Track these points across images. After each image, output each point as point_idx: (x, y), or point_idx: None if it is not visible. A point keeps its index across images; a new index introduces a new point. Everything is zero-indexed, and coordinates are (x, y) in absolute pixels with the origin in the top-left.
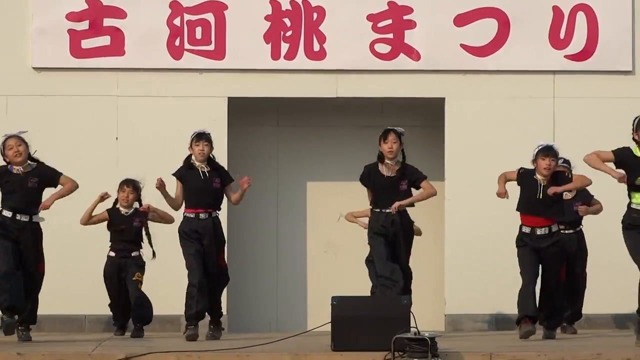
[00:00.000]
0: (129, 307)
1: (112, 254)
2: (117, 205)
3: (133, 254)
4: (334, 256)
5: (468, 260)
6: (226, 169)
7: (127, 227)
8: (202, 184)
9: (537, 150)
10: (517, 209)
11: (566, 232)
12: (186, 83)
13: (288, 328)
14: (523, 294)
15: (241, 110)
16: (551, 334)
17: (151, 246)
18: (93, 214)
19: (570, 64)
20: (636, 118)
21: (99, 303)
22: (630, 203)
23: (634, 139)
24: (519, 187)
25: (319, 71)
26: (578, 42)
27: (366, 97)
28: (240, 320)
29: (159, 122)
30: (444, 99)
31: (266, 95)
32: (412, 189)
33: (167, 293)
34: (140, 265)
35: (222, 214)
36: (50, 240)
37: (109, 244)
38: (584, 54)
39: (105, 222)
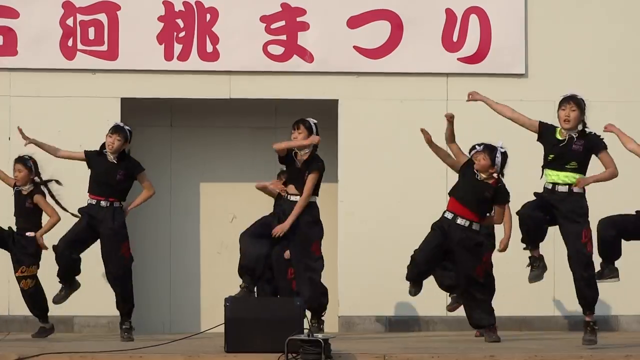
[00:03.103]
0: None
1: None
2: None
3: (28, 233)
4: (227, 257)
5: (361, 261)
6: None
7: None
8: (106, 173)
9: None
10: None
11: None
12: (79, 83)
13: (181, 329)
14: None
15: (134, 111)
16: (490, 336)
17: (65, 210)
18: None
19: (463, 66)
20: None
21: None
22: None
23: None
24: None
25: (212, 72)
26: (471, 45)
27: (259, 98)
28: (134, 320)
29: (52, 122)
30: (337, 100)
31: (159, 96)
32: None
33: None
34: (29, 254)
35: None
36: None
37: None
38: (477, 57)
39: None
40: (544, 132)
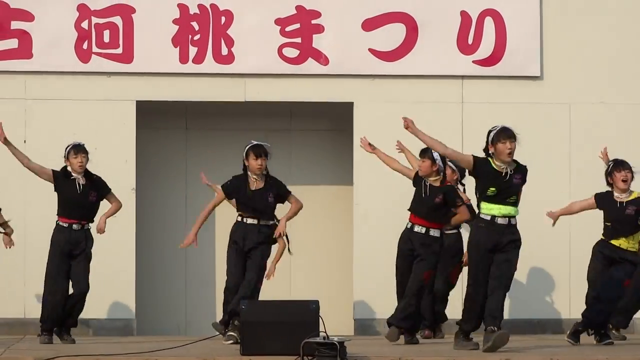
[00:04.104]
0: None
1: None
2: None
3: None
4: None
5: (377, 264)
6: (134, 174)
7: None
8: (78, 196)
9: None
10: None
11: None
12: (94, 86)
13: (197, 332)
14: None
15: (150, 114)
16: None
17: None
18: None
19: (478, 69)
20: (490, 131)
21: (8, 306)
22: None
23: (485, 150)
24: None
25: (227, 75)
26: (486, 47)
27: (274, 101)
28: (149, 323)
29: (68, 125)
30: (352, 103)
31: (174, 99)
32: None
33: None
34: None
35: (131, 219)
36: None
37: None
38: (492, 59)
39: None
40: (479, 164)
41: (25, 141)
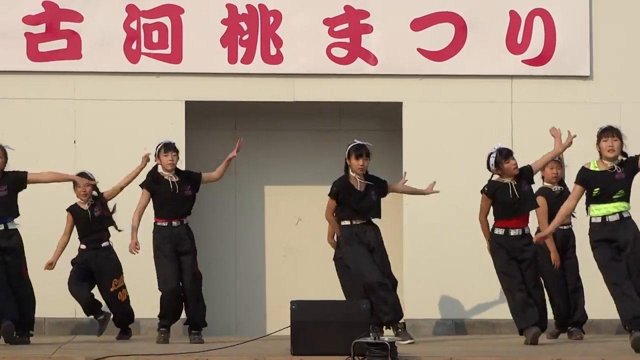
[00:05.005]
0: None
1: (83, 246)
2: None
3: (103, 244)
4: (292, 260)
5: (427, 264)
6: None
7: (90, 219)
8: (173, 194)
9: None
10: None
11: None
12: (143, 87)
13: (247, 332)
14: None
15: (198, 114)
16: None
17: (115, 227)
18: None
19: (527, 68)
20: (599, 130)
21: (60, 306)
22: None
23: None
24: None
25: (276, 75)
26: (535, 47)
27: (323, 101)
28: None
29: (117, 125)
30: (401, 103)
31: (223, 99)
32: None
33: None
34: (115, 264)
35: None
36: None
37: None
38: (542, 59)
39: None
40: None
41: (75, 141)
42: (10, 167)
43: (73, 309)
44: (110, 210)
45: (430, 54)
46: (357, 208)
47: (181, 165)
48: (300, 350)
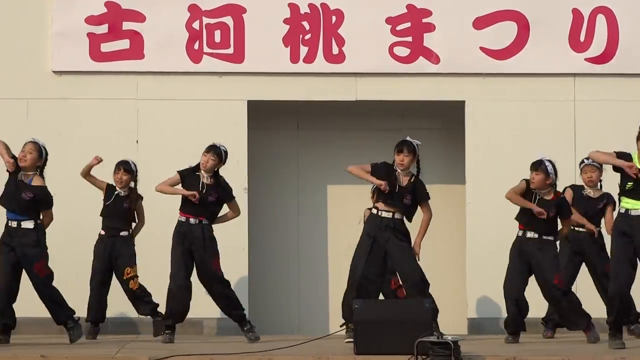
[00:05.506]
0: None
1: (102, 232)
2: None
3: (122, 233)
4: None
5: (490, 263)
6: (245, 173)
7: (115, 206)
8: (198, 193)
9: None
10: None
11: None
12: (205, 86)
13: (310, 331)
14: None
15: (261, 114)
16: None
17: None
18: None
19: (590, 66)
20: None
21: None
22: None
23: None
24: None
25: (338, 74)
26: (598, 45)
27: (385, 100)
28: (262, 323)
29: (179, 125)
30: (463, 102)
31: (285, 99)
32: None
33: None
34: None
35: (243, 217)
36: None
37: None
38: (605, 57)
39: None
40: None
41: (137, 141)
42: (73, 167)
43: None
44: (139, 213)
45: (493, 52)
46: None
47: (243, 164)
48: (363, 350)
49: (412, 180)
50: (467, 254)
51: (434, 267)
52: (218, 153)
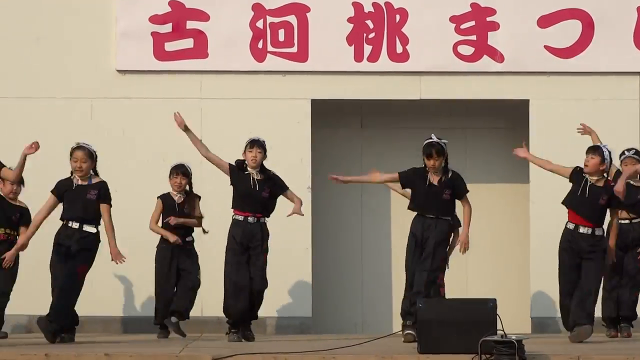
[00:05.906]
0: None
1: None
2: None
3: (187, 239)
4: None
5: (554, 262)
6: (309, 173)
7: (176, 210)
8: (251, 191)
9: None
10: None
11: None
12: (269, 85)
13: (373, 330)
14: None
15: (325, 112)
16: None
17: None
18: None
19: None
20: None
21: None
22: None
23: None
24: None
25: (402, 73)
26: None
27: (449, 99)
28: (326, 322)
29: (243, 124)
30: (528, 100)
31: (349, 97)
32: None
33: None
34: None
35: (307, 218)
36: None
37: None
38: None
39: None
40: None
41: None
42: (138, 166)
43: (200, 308)
44: (199, 214)
45: (557, 50)
46: (421, 201)
47: (307, 163)
48: (427, 349)
49: (448, 175)
50: (531, 252)
51: (498, 266)
52: (262, 146)
